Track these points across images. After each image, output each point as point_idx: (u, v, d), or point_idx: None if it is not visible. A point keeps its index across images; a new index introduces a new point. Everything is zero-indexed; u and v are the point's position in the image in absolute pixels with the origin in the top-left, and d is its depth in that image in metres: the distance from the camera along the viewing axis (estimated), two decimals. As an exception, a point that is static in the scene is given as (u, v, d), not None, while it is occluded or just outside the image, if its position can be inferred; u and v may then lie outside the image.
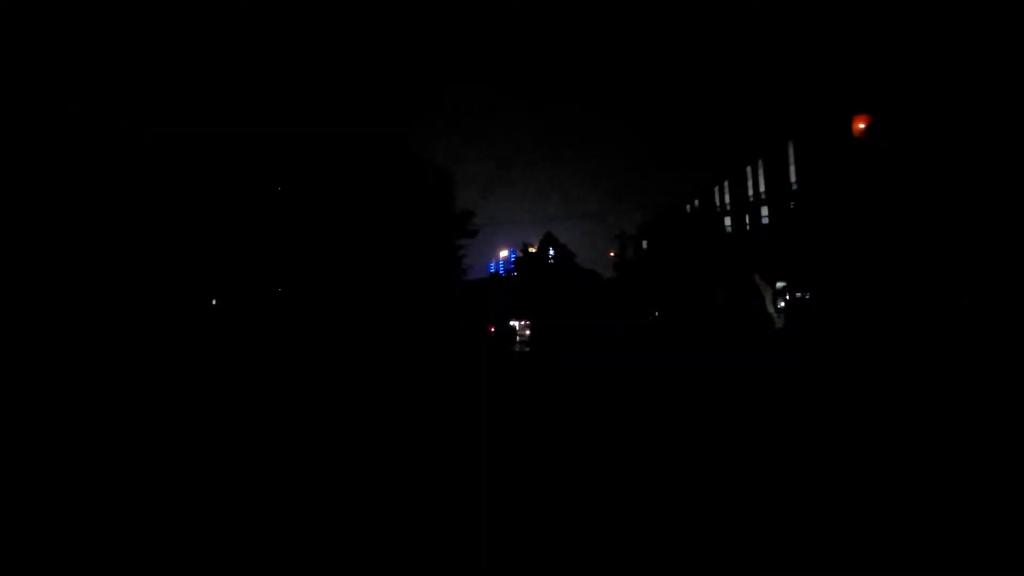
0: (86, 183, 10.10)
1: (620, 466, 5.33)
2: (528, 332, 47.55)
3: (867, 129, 17.53)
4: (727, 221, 32.94)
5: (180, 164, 12.15)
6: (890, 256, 16.27)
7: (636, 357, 16.34)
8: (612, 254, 44.71)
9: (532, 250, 63.85)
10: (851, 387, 8.95)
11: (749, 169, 30.14)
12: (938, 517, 3.77)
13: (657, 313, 38.15)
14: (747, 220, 30.48)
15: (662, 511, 4.14)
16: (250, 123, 13.38)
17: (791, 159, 25.81)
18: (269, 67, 14.79)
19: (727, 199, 33.37)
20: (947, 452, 5.27)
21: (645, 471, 5.15)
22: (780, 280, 23.67)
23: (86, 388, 8.79)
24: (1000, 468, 4.68)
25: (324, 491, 4.78)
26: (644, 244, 46.69)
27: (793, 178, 25.54)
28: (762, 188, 28.75)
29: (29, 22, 10.73)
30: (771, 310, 22.85)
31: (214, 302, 13.47)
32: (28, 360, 8.10)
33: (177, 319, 11.29)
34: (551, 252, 61.90)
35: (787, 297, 23.73)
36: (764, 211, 28.60)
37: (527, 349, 24.45)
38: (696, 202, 37.38)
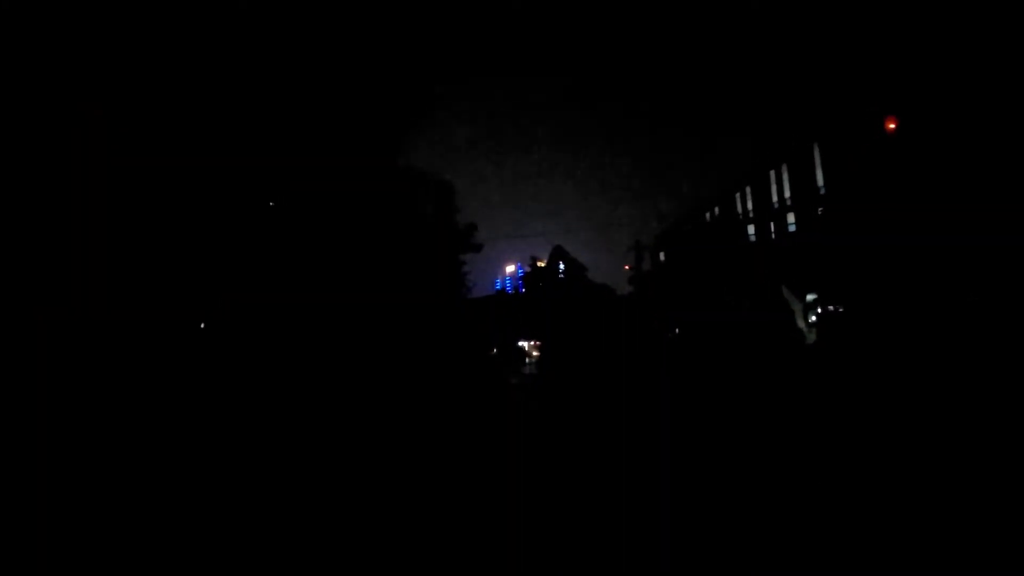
0: (86, 183, 10.52)
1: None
2: (537, 353, 47.47)
3: (898, 129, 17.64)
4: (751, 229, 32.94)
5: (180, 166, 12.60)
6: (927, 264, 16.19)
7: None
8: (628, 268, 44.71)
9: (541, 264, 64.09)
10: (887, 404, 8.88)
11: (773, 173, 30.24)
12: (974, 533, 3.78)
13: (677, 331, 38.06)
14: (772, 228, 30.47)
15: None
16: (245, 131, 13.93)
17: (817, 162, 25.89)
18: (271, 65, 15.17)
19: (750, 205, 33.41)
20: (988, 466, 5.25)
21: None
22: (810, 292, 23.54)
23: (86, 388, 9.20)
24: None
25: (318, 494, 4.94)
26: (661, 256, 46.80)
27: (820, 182, 25.59)
28: (787, 193, 28.80)
29: (29, 22, 11.25)
30: (801, 325, 22.68)
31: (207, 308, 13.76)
32: (29, 360, 8.49)
33: (176, 320, 11.94)
34: (561, 267, 62.11)
35: (818, 311, 23.57)
36: (790, 218, 28.60)
37: (535, 371, 24.36)
38: (717, 209, 37.44)
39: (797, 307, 22.96)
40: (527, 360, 35.09)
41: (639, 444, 6.22)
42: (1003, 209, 13.43)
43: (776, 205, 30.02)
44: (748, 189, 33.49)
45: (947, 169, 15.75)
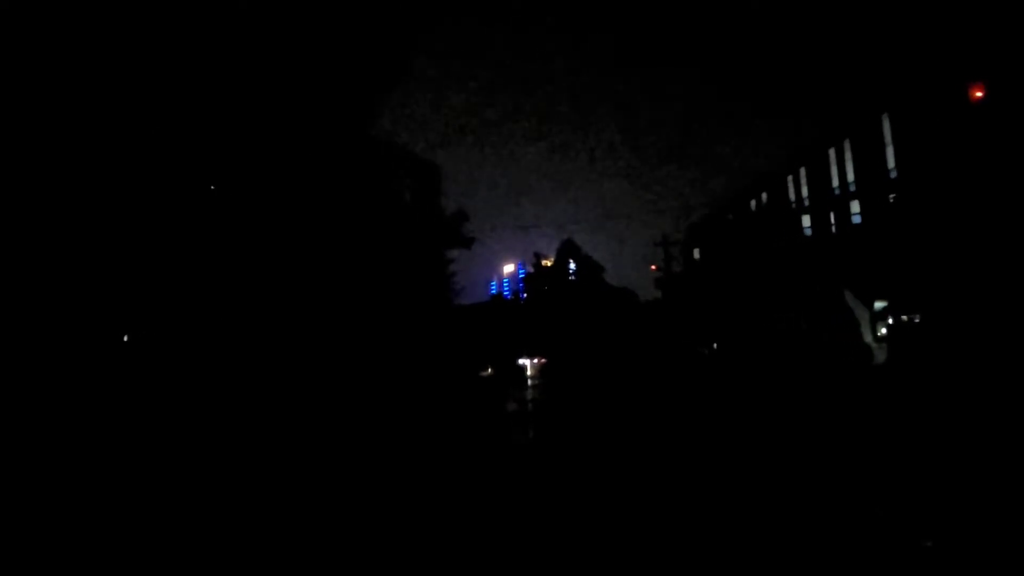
0: None
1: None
2: (542, 372, 47.30)
3: (986, 97, 17.61)
4: (805, 221, 32.95)
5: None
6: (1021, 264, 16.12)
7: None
8: (655, 268, 44.83)
9: (547, 264, 63.98)
10: (980, 443, 8.77)
11: (832, 152, 30.26)
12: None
13: (716, 346, 38.04)
14: (832, 219, 30.48)
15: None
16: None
17: (887, 138, 25.89)
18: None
19: (804, 192, 33.44)
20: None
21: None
22: (879, 299, 23.49)
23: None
24: None
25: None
26: (696, 253, 46.83)
27: (891, 163, 25.57)
28: (850, 177, 28.79)
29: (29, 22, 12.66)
30: (869, 339, 22.63)
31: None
32: None
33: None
34: (572, 266, 61.95)
35: (890, 322, 23.53)
36: (855, 206, 28.60)
37: (539, 397, 24.18)
38: (764, 196, 37.47)
39: (863, 317, 22.90)
40: (528, 383, 34.95)
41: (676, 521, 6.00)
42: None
43: (837, 191, 30.03)
44: (803, 171, 33.53)
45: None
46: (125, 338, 14.95)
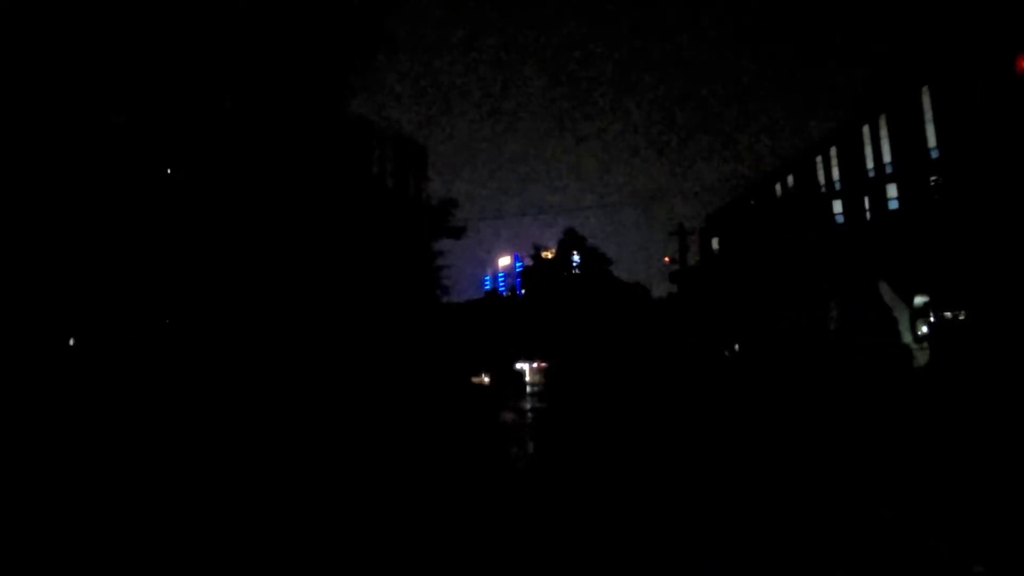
0: None
1: None
2: (543, 378, 47.22)
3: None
4: (837, 207, 32.94)
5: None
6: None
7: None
8: (669, 260, 44.82)
9: (548, 256, 63.87)
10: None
11: (867, 129, 30.23)
12: None
13: (737, 347, 38.08)
14: (867, 204, 30.48)
15: None
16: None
17: (928, 115, 25.86)
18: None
19: (836, 174, 33.40)
20: None
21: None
22: (920, 294, 23.47)
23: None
24: None
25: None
26: (715, 243, 46.85)
27: (932, 142, 25.56)
28: (886, 158, 28.78)
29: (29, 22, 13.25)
30: (908, 339, 22.63)
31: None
32: None
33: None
34: (576, 259, 61.84)
35: (932, 320, 23.50)
36: (892, 190, 28.60)
37: (540, 405, 24.09)
38: (790, 179, 37.45)
39: (903, 314, 22.87)
40: (527, 389, 34.90)
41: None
42: None
43: (872, 173, 30.01)
44: (833, 151, 33.49)
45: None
46: (84, 339, 15.26)
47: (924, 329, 23.32)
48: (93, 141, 14.01)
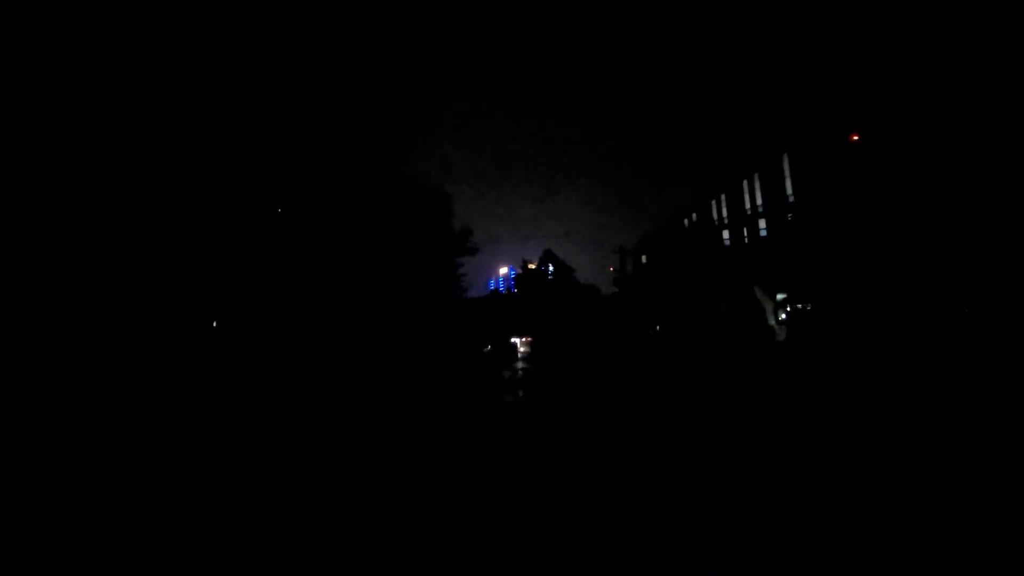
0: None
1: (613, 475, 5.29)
2: (529, 349, 47.44)
3: (860, 141, 17.75)
4: (725, 235, 33.05)
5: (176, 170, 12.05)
6: (889, 263, 16.28)
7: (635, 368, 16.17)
8: (612, 269, 44.70)
9: (532, 266, 64.05)
10: (852, 393, 8.86)
11: (745, 183, 30.37)
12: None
13: (659, 328, 38.09)
14: (745, 233, 30.59)
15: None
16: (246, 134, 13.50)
17: (787, 171, 26.03)
18: (269, 62, 14.50)
19: (724, 212, 33.54)
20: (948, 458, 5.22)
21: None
22: (780, 292, 23.63)
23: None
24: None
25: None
26: (644, 259, 46.86)
27: (790, 191, 25.73)
28: (759, 201, 28.92)
29: (29, 22, 10.62)
30: (772, 323, 22.74)
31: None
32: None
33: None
34: (551, 268, 62.09)
35: (788, 309, 23.65)
36: (762, 224, 28.73)
37: (527, 366, 24.16)
38: (694, 216, 37.55)
39: (768, 305, 23.02)
40: (518, 356, 35.03)
41: (621, 430, 6.12)
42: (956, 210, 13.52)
43: (749, 212, 30.14)
44: (723, 197, 33.61)
45: (906, 179, 15.87)
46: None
47: (783, 316, 23.47)
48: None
